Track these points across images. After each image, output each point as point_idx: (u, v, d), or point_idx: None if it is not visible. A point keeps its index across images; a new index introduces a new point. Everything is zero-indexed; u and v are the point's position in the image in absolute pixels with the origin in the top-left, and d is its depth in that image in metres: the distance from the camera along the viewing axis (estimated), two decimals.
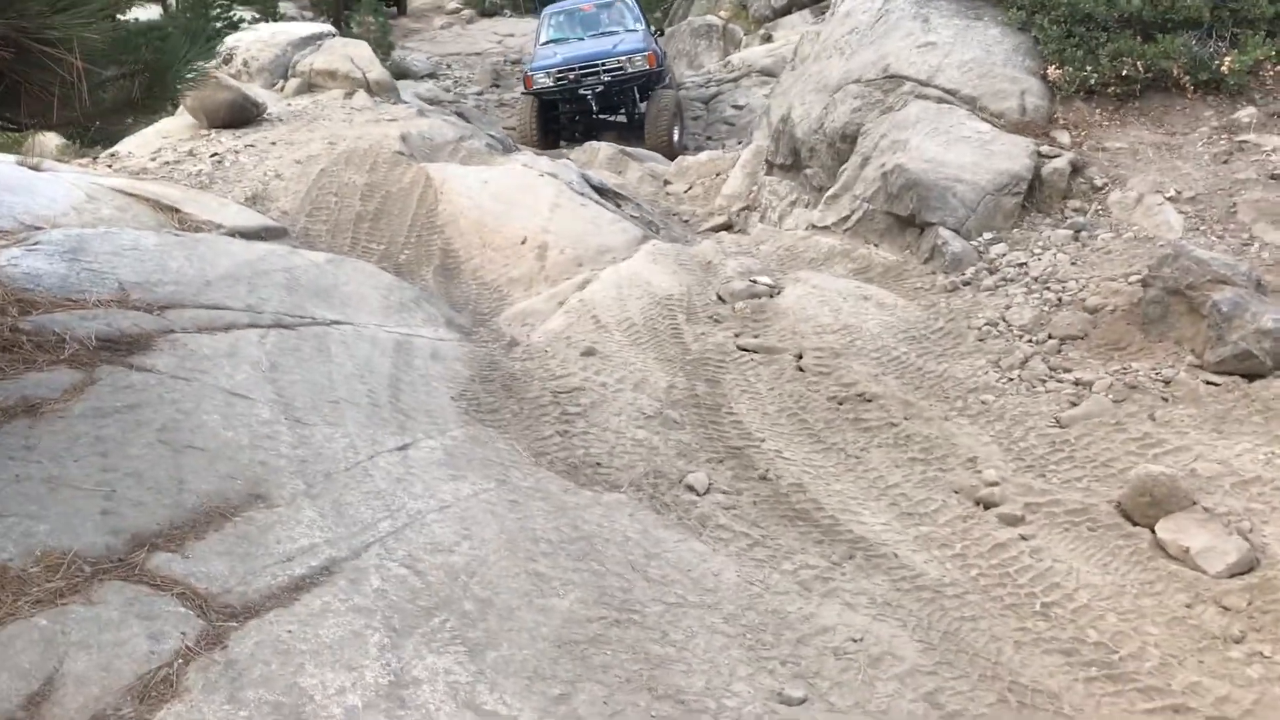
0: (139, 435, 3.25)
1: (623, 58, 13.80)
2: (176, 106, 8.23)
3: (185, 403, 3.53)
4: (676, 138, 13.33)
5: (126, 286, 4.49)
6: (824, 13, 20.46)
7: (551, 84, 13.69)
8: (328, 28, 12.29)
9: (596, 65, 13.74)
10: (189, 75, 2.88)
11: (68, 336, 3.79)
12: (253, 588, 2.69)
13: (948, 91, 6.79)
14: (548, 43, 15.33)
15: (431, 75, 22.00)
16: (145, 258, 4.92)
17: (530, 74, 13.97)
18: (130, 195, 6.50)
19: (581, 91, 13.69)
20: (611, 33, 15.02)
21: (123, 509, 2.87)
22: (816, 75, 8.16)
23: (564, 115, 14.21)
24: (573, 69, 13.71)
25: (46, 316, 3.95)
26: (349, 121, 9.10)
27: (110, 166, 7.78)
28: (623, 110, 14.33)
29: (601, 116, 14.39)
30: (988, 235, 5.85)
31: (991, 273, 5.55)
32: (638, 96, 14.07)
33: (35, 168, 6.64)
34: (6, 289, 4.13)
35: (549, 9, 16.97)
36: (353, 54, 10.60)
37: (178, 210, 6.51)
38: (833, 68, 7.97)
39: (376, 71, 10.49)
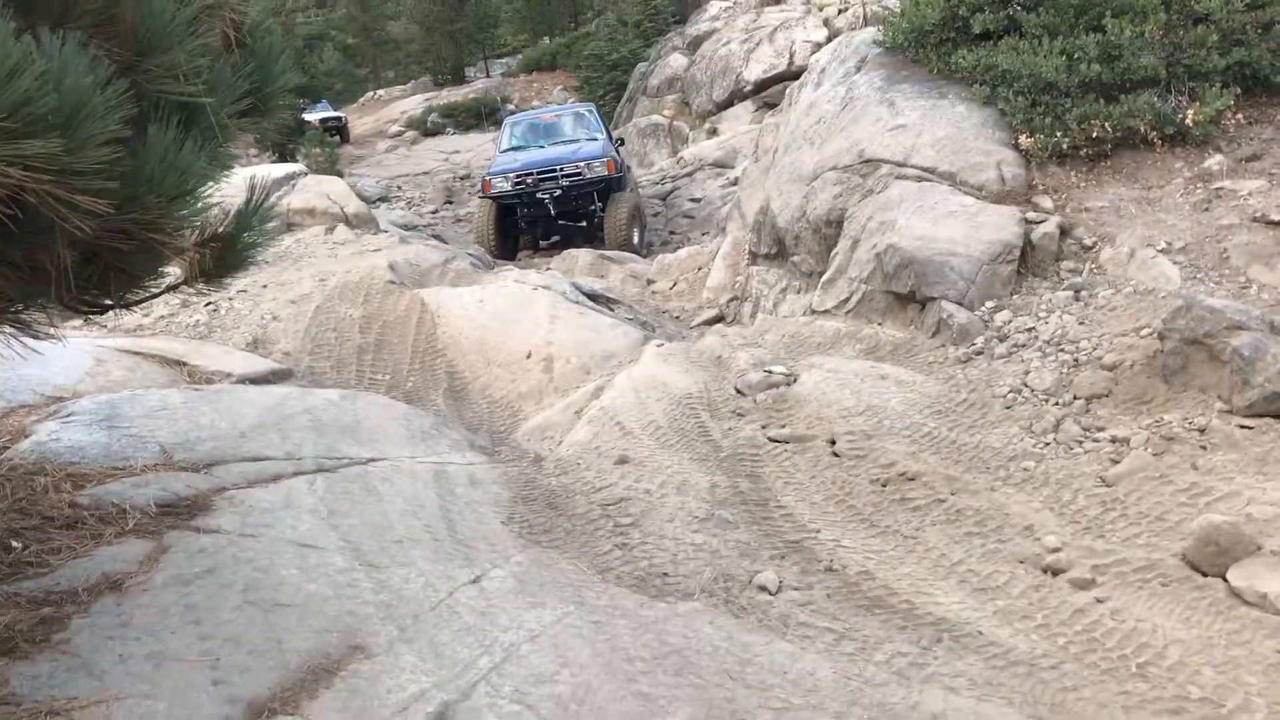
0: (225, 599, 3.26)
1: (581, 163, 14.18)
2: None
3: (260, 560, 3.54)
4: (636, 239, 13.65)
5: (168, 448, 4.50)
6: (765, 104, 21.15)
7: (510, 188, 14.06)
8: (300, 167, 12.53)
9: (555, 170, 14.10)
10: (257, 242, 2.95)
11: (127, 506, 3.79)
12: None
13: (926, 170, 7.03)
14: (508, 150, 15.71)
15: (384, 198, 22.30)
16: (177, 416, 4.94)
17: (489, 178, 14.35)
18: (136, 354, 6.53)
19: (539, 195, 14.05)
20: (572, 141, 15.41)
21: (231, 677, 2.87)
22: (790, 166, 8.40)
23: (523, 220, 14.55)
24: (531, 174, 14.08)
25: (101, 488, 3.96)
26: (334, 256, 9.21)
27: (106, 328, 7.80)
28: (581, 215, 14.68)
29: (561, 221, 14.75)
30: (990, 304, 6.02)
31: (1002, 340, 5.70)
32: (597, 201, 14.39)
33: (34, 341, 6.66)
34: (54, 465, 4.13)
35: (510, 119, 17.49)
36: (328, 190, 10.78)
37: (185, 363, 6.54)
38: (805, 157, 8.22)
39: (354, 205, 10.66)
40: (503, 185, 14.09)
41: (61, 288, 2.35)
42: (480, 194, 14.93)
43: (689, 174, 18.95)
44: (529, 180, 14.02)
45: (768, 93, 21.09)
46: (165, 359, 6.55)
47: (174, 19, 2.25)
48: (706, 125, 22.30)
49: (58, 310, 3.09)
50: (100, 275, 2.53)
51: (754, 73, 22.03)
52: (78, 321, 8.39)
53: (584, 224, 14.78)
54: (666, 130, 22.97)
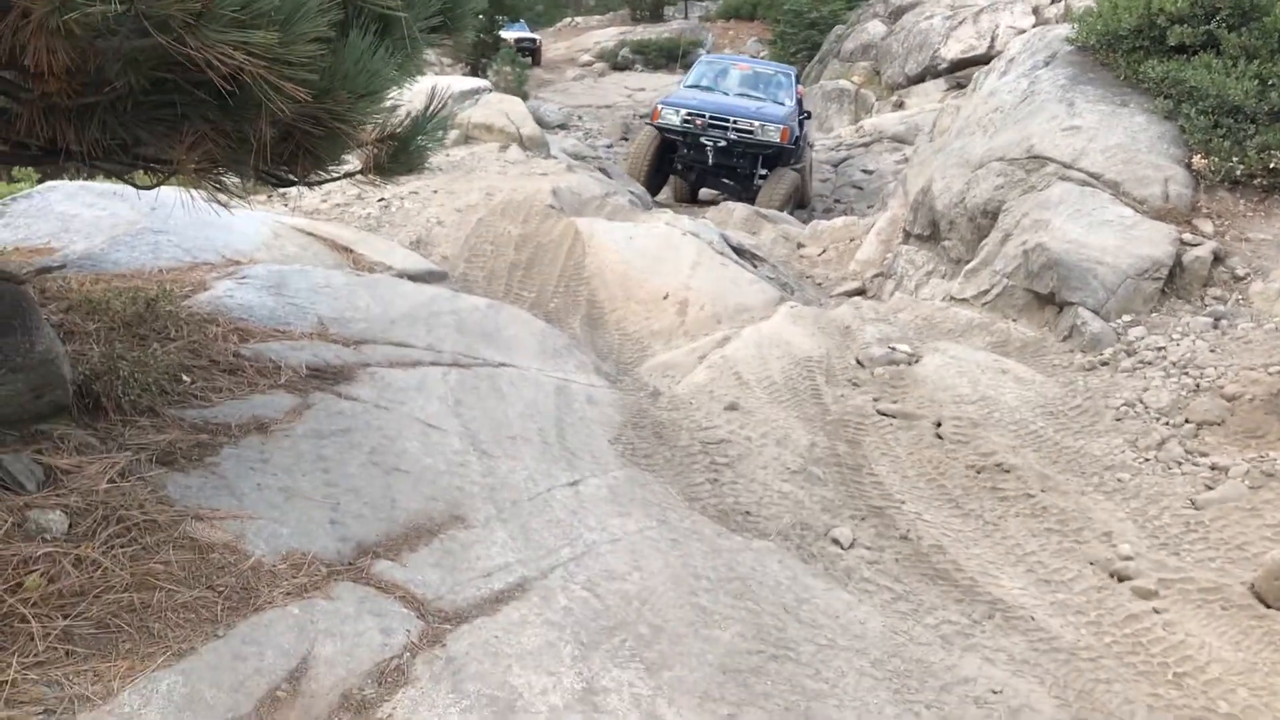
0: (353, 456, 3.70)
1: (755, 122, 14.15)
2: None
3: (388, 429, 3.98)
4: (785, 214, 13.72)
5: (325, 321, 5.00)
6: (958, 85, 20.80)
7: (677, 123, 14.18)
8: (484, 83, 13.06)
9: (727, 120, 14.14)
10: (428, 146, 3.32)
11: (282, 364, 4.29)
12: (461, 596, 3.08)
13: (1091, 175, 7.02)
14: (692, 86, 15.89)
15: (563, 126, 22.85)
16: (337, 295, 5.44)
17: (660, 106, 14.53)
18: (310, 235, 7.10)
19: (704, 140, 14.10)
20: (758, 98, 15.37)
21: (347, 520, 3.31)
22: (959, 150, 8.45)
23: (680, 161, 14.69)
24: (703, 115, 14.15)
25: (262, 345, 4.47)
26: (504, 174, 9.68)
27: (287, 206, 8.45)
28: (740, 175, 14.76)
29: (719, 175, 14.89)
30: (1126, 318, 6.05)
31: (1129, 354, 5.75)
32: (759, 166, 14.46)
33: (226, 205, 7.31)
34: (225, 318, 4.66)
35: (707, 56, 17.67)
36: (508, 110, 11.26)
37: (351, 251, 7.09)
38: (975, 144, 8.25)
39: (530, 127, 11.11)
40: (671, 117, 14.23)
41: (260, 158, 2.77)
42: (648, 120, 15.22)
43: (865, 144, 18.88)
44: (699, 121, 14.07)
45: (961, 74, 20.71)
46: (335, 243, 7.10)
47: None
48: (894, 97, 22.08)
49: (251, 179, 3.54)
50: (291, 153, 2.94)
51: (951, 51, 21.67)
52: (263, 197, 9.08)
53: (739, 186, 14.93)
54: (852, 97, 22.82)
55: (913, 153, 12.69)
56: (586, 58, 37.40)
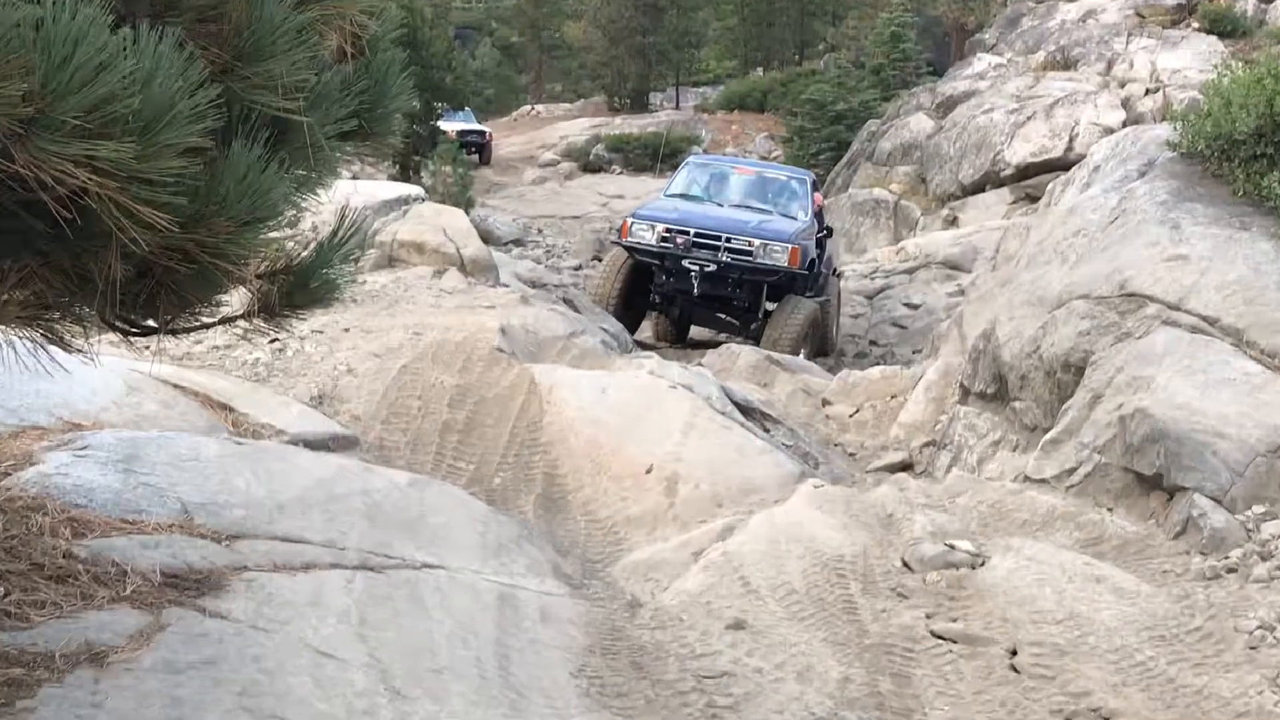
0: (218, 699, 3.58)
1: (755, 240, 14.29)
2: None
3: (268, 660, 3.86)
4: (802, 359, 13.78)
5: (190, 508, 4.92)
6: (1027, 196, 21.33)
7: (652, 241, 14.37)
8: (416, 189, 13.31)
9: (718, 238, 14.30)
10: (338, 280, 3.32)
11: (129, 569, 4.19)
12: None
13: (1205, 318, 7.10)
14: (675, 195, 16.19)
15: (518, 242, 23.27)
16: (208, 472, 5.38)
17: (631, 221, 14.75)
18: (176, 387, 7.08)
19: (686, 264, 14.25)
20: (762, 210, 15.64)
21: None
22: (1031, 284, 8.57)
23: (657, 290, 14.94)
24: (686, 232, 14.30)
25: (103, 541, 4.37)
26: (437, 307, 9.79)
27: (149, 349, 8.45)
28: (738, 309, 15.02)
29: (708, 307, 15.17)
30: (1259, 509, 6.03)
31: (1265, 558, 5.70)
32: (764, 298, 14.72)
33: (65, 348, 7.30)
34: (56, 505, 4.58)
35: (695, 159, 18.12)
36: (446, 224, 11.46)
37: (230, 409, 7.06)
38: (1052, 277, 8.37)
39: (473, 247, 11.28)
40: (644, 234, 14.45)
41: (107, 302, 2.74)
42: (615, 238, 15.52)
43: (909, 271, 19.26)
44: (680, 240, 14.28)
45: (1031, 182, 21.30)
46: (209, 399, 7.08)
47: (284, 23, 2.65)
48: (944, 211, 22.66)
49: (95, 324, 3.52)
50: (149, 294, 2.92)
51: (1018, 154, 22.31)
52: (115, 336, 9.08)
53: (736, 321, 15.18)
54: (890, 210, 23.42)
55: (971, 284, 12.92)
56: (550, 156, 38.35)
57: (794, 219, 15.51)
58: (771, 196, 16.20)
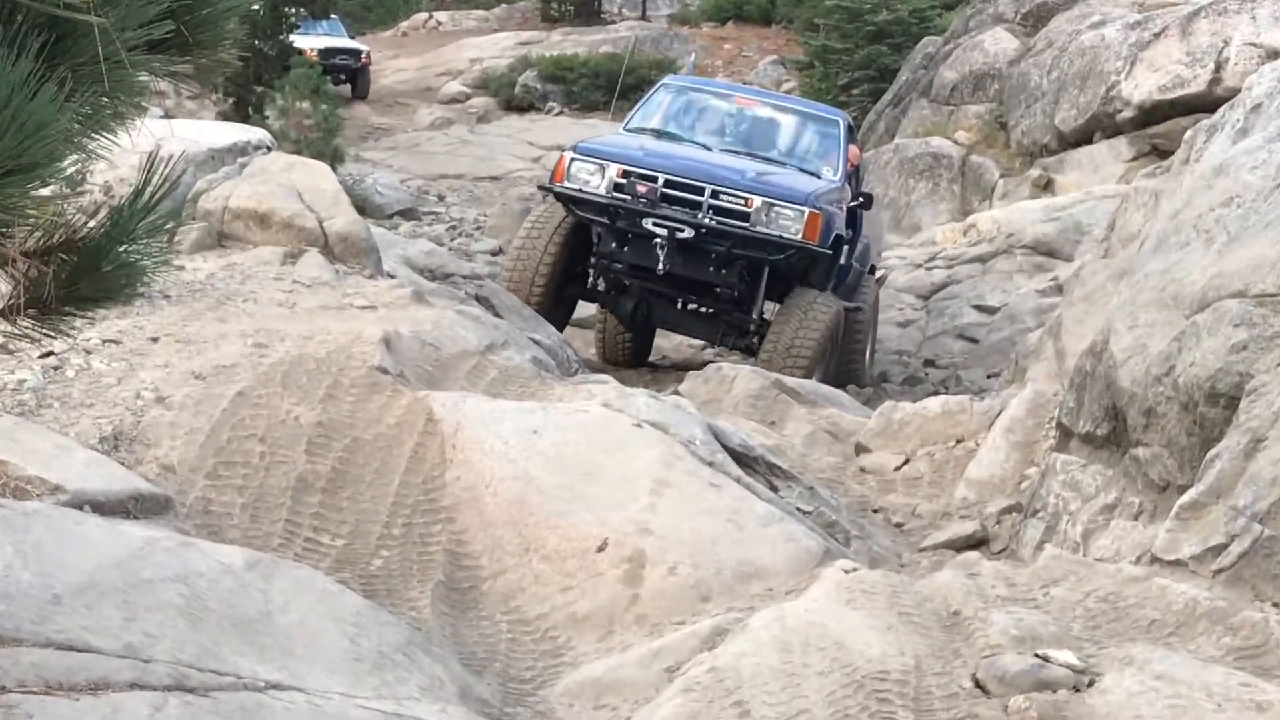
0: None
1: (754, 198, 14.04)
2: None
3: None
4: (816, 378, 13.63)
5: None
6: (1154, 149, 21.31)
7: (601, 189, 14.20)
8: (259, 135, 13.20)
9: (699, 191, 14.12)
10: (145, 262, 3.30)
11: None
12: None
13: None
14: (639, 130, 16.09)
15: (408, 213, 23.12)
16: None
17: (571, 156, 14.50)
18: None
19: (650, 225, 14.08)
20: (770, 160, 15.56)
21: None
22: (1160, 277, 8.58)
23: (600, 265, 14.86)
24: (655, 177, 14.16)
25: None
26: (291, 307, 9.74)
27: None
28: (720, 299, 14.89)
29: (681, 300, 15.12)
30: None
31: None
32: (760, 286, 14.55)
33: None
34: None
35: (675, 78, 18.00)
36: (303, 186, 11.38)
37: None
38: (1192, 266, 8.38)
39: (344, 220, 11.23)
40: (590, 178, 14.31)
41: None
42: (544, 185, 15.34)
43: (983, 258, 19.24)
44: (642, 190, 14.13)
45: (1159, 128, 21.31)
46: None
47: None
48: (1034, 171, 22.63)
49: None
50: None
51: (1142, 87, 22.27)
52: None
53: (721, 323, 15.13)
54: (955, 169, 23.41)
55: (1073, 278, 12.96)
56: (457, 88, 38.14)
57: (815, 176, 15.46)
58: (785, 142, 16.13)
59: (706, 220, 14.02)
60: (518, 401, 8.95)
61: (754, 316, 14.53)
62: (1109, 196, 18.16)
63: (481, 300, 12.72)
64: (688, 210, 14.09)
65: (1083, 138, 22.61)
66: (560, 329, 14.14)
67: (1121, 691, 5.89)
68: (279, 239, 11.20)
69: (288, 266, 10.71)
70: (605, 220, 14.34)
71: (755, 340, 14.28)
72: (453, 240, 20.61)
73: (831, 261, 14.73)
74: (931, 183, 23.39)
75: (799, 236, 14.08)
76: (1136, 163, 21.05)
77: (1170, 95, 21.74)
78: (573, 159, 14.44)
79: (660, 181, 14.16)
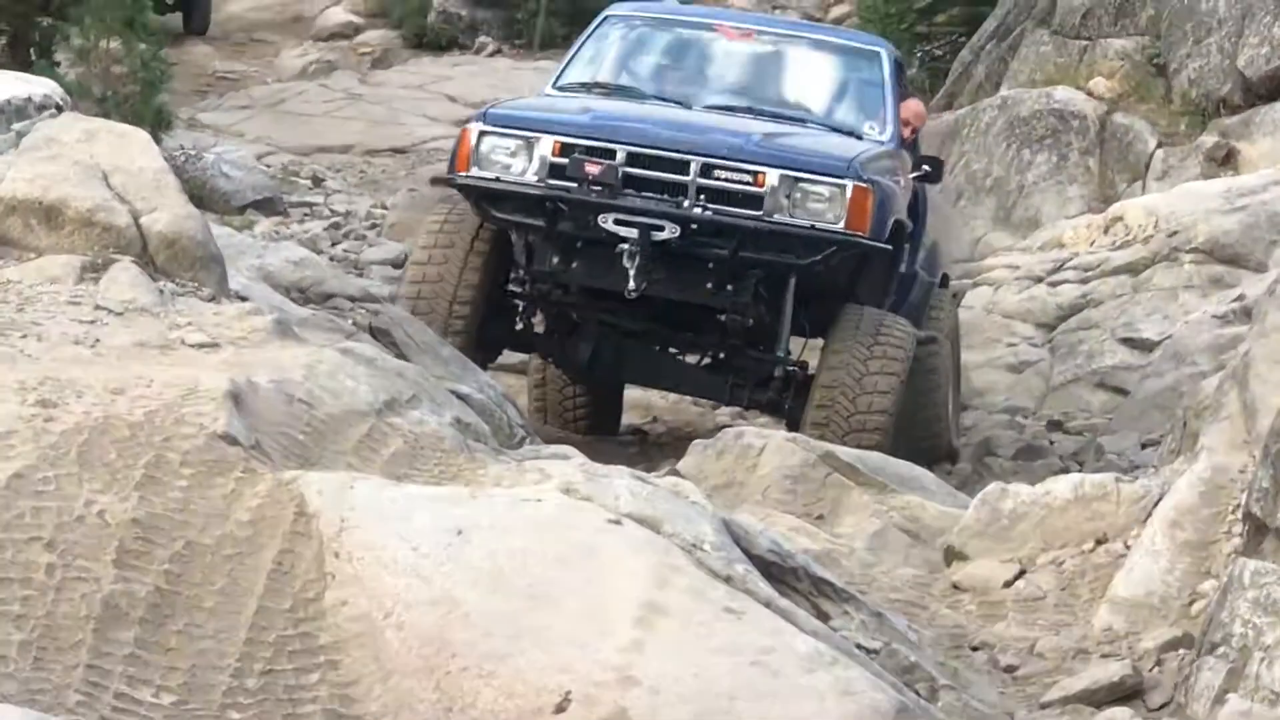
0: None
1: (767, 169, 13.81)
2: None
3: None
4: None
5: None
6: None
7: (530, 177, 14.04)
8: (45, 88, 13.13)
9: (683, 163, 13.85)
10: None
11: None
12: None
13: None
14: (579, 86, 15.90)
15: (267, 205, 23.02)
16: None
17: (479, 128, 14.39)
18: None
19: (611, 224, 13.87)
20: (781, 117, 15.44)
21: None
22: None
23: (539, 288, 14.67)
24: (609, 151, 14.03)
25: None
26: (91, 346, 9.69)
27: None
28: (732, 329, 14.55)
29: (658, 335, 15.01)
30: None
31: None
32: (781, 305, 14.36)
33: None
34: None
35: (625, 5, 17.32)
36: (108, 162, 11.32)
37: None
38: None
39: (169, 213, 11.16)
40: (511, 160, 14.15)
41: None
42: (442, 176, 15.31)
43: (1133, 267, 19.27)
44: (595, 169, 13.85)
45: None
46: None
47: None
48: (1207, 137, 22.65)
49: None
50: None
51: None
52: None
53: (722, 362, 15.03)
54: (1091, 134, 23.43)
55: (1266, 295, 12.94)
56: (341, 15, 38.19)
57: (853, 136, 15.52)
58: (801, 89, 16.02)
59: (696, 211, 13.80)
60: (435, 487, 8.86)
61: (780, 355, 14.29)
62: None
63: (378, 334, 12.61)
64: (666, 198, 13.87)
65: (1277, 92, 22.64)
66: (485, 362, 14.01)
67: None
68: (74, 243, 11.10)
69: (87, 285, 10.63)
70: (540, 223, 14.09)
71: (786, 394, 14.14)
72: (336, 245, 20.53)
73: (891, 263, 14.67)
74: (1056, 155, 23.38)
75: (841, 226, 13.86)
76: None
77: None
78: (482, 133, 14.25)
79: (621, 157, 13.88)
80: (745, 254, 13.75)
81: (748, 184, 13.68)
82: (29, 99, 12.47)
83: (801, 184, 13.61)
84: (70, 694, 7.23)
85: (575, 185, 13.70)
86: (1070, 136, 23.60)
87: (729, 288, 13.91)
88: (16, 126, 11.86)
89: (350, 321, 12.71)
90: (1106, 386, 16.83)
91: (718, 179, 13.74)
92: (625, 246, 13.51)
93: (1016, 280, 18.89)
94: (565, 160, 13.73)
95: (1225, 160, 22.17)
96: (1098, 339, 17.55)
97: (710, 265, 13.84)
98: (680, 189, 13.64)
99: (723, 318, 14.23)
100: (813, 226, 13.67)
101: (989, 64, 27.04)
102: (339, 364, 9.99)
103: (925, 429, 14.51)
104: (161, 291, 10.65)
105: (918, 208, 15.46)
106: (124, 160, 11.72)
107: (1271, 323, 11.04)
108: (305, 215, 21.89)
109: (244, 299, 11.53)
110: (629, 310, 14.11)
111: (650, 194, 13.71)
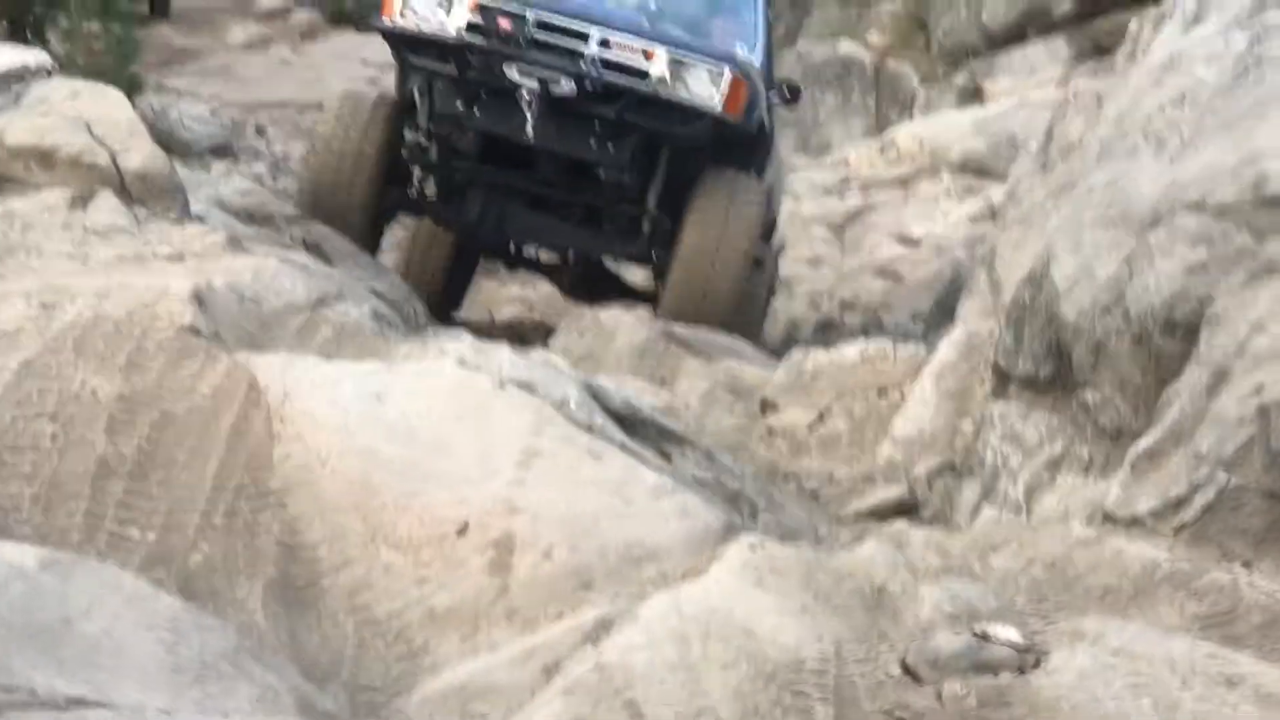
0: None
1: (658, 48, 13.06)
2: None
3: None
4: (753, 311, 13.40)
5: None
6: (1096, 48, 21.32)
7: (449, 29, 13.00)
8: (37, 58, 13.05)
9: (583, 33, 13.20)
10: None
11: None
12: None
13: None
14: None
15: (222, 151, 22.92)
16: None
17: None
18: None
19: (516, 74, 13.03)
20: (677, 19, 15.32)
21: None
22: (1105, 190, 8.66)
23: (441, 128, 13.89)
24: (524, 15, 12.99)
25: None
26: (83, 260, 9.67)
27: None
28: (608, 185, 13.85)
29: (542, 192, 14.08)
30: None
31: None
32: (659, 173, 13.83)
33: None
34: None
35: None
36: (93, 117, 11.29)
37: None
38: (1141, 176, 8.47)
39: (143, 156, 11.14)
40: (432, 13, 13.13)
41: None
42: (374, 23, 14.49)
43: (903, 180, 19.33)
44: (504, 26, 12.97)
45: (1102, 24, 21.47)
46: None
47: None
48: (960, 77, 22.76)
49: None
50: None
51: None
52: None
53: (595, 220, 14.31)
54: (869, 77, 23.49)
55: (1007, 197, 13.00)
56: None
57: (735, 43, 14.95)
58: (696, 8, 15.89)
59: (593, 71, 13.09)
60: (357, 363, 8.91)
61: (649, 208, 13.78)
62: (1046, 103, 18.23)
63: (310, 246, 12.60)
64: (566, 57, 13.13)
65: (1015, 36, 22.69)
66: (372, 252, 13.73)
67: (1073, 671, 5.97)
68: (66, 179, 11.09)
69: (77, 212, 10.62)
70: (453, 69, 13.36)
71: (654, 243, 13.70)
72: (276, 179, 20.52)
73: (756, 142, 14.32)
74: (841, 94, 23.45)
75: (716, 105, 13.30)
76: (1077, 63, 21.23)
77: None
78: None
79: (531, 19, 13.10)
80: (628, 117, 13.11)
81: (638, 61, 12.85)
82: (25, 66, 12.49)
83: (686, 65, 12.92)
84: (73, 535, 7.26)
85: (486, 37, 12.96)
86: (853, 80, 23.80)
87: (610, 146, 13.28)
88: (16, 89, 11.90)
89: (287, 236, 12.75)
90: (885, 275, 16.92)
91: (613, 52, 13.00)
92: (525, 95, 12.92)
93: (813, 192, 18.99)
94: (482, 19, 12.90)
95: (973, 95, 22.37)
96: (877, 237, 17.71)
97: (597, 124, 13.17)
98: (579, 56, 12.92)
99: (601, 173, 13.60)
100: (694, 100, 13.05)
101: (787, 23, 27.07)
102: (279, 269, 10.05)
103: (747, 319, 14.44)
104: (136, 216, 10.68)
105: (771, 112, 15.19)
106: (103, 113, 11.73)
107: (1010, 218, 11.13)
108: (251, 158, 21.94)
109: (202, 220, 11.56)
110: (515, 171, 13.69)
111: (551, 51, 12.99)
